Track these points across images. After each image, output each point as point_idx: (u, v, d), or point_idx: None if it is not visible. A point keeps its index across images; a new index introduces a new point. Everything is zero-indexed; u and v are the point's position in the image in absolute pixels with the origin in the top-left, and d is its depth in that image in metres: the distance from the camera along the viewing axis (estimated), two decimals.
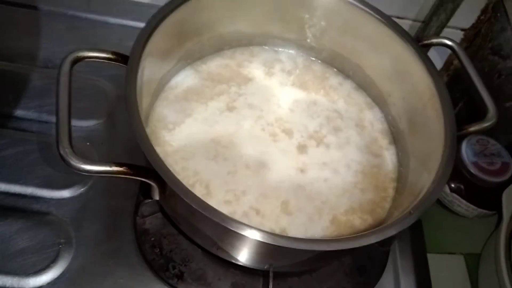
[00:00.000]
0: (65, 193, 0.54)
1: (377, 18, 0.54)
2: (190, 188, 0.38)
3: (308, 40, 0.61)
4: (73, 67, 0.42)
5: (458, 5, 0.70)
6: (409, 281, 0.56)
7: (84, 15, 0.70)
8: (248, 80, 0.59)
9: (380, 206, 0.52)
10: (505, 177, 0.63)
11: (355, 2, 0.55)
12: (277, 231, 0.47)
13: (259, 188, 0.50)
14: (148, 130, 0.51)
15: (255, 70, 0.60)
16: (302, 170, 0.53)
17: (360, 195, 0.52)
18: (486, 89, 0.50)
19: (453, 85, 0.84)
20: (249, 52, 0.61)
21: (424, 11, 0.75)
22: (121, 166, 0.38)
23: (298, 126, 0.56)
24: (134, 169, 0.39)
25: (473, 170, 0.63)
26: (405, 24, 0.78)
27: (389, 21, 0.54)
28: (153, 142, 0.49)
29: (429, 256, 0.62)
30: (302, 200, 0.50)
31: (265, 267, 0.47)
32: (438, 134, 0.47)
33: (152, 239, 0.51)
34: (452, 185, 0.66)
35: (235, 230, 0.37)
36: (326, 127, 0.57)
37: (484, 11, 0.75)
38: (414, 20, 0.77)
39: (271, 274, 0.47)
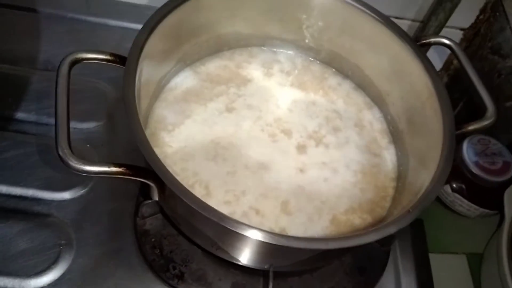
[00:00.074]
0: (66, 195, 0.54)
1: (375, 18, 0.54)
2: (189, 189, 0.38)
3: (307, 41, 0.61)
4: (72, 69, 0.42)
5: (456, 5, 0.70)
6: (410, 281, 0.56)
7: (83, 17, 0.70)
8: (247, 81, 0.59)
9: (379, 206, 0.52)
10: (507, 176, 0.63)
11: (352, 2, 0.55)
12: (277, 231, 0.47)
13: (259, 188, 0.50)
14: (147, 132, 0.51)
15: (254, 71, 0.60)
16: (301, 170, 0.53)
17: (359, 194, 0.52)
18: (485, 88, 0.50)
19: (453, 85, 0.84)
20: (247, 53, 0.61)
21: (422, 11, 0.75)
22: (119, 167, 0.38)
23: (297, 126, 0.56)
24: (133, 169, 0.39)
25: (474, 169, 0.63)
26: (404, 24, 0.78)
27: (387, 21, 0.54)
28: (153, 144, 0.49)
29: (431, 256, 0.62)
30: (301, 200, 0.50)
31: (265, 267, 0.48)
32: (437, 133, 0.47)
33: (153, 240, 0.52)
34: (454, 185, 0.66)
35: (234, 229, 0.37)
36: (325, 127, 0.57)
37: (483, 11, 0.75)
38: (413, 20, 0.77)
39: (271, 274, 0.47)
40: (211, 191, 0.49)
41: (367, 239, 0.39)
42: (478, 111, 0.50)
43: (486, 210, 0.66)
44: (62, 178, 0.54)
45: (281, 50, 0.63)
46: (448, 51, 0.79)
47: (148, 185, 0.43)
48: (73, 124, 0.57)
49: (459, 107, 0.80)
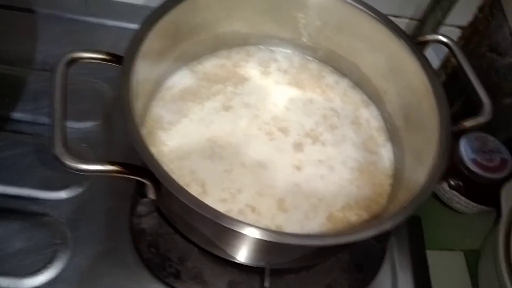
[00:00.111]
0: (62, 194, 0.54)
1: (372, 16, 0.54)
2: (186, 187, 0.38)
3: (304, 39, 0.61)
4: (69, 68, 0.42)
5: (454, 3, 0.70)
6: (407, 277, 0.56)
7: (81, 17, 0.70)
8: (244, 79, 0.59)
9: (376, 203, 0.52)
10: (504, 173, 0.63)
11: (349, 1, 0.55)
12: (273, 229, 0.47)
13: (255, 186, 0.50)
14: (144, 131, 0.51)
15: (251, 69, 0.60)
16: (298, 168, 0.53)
17: (356, 192, 0.52)
18: (481, 85, 0.50)
19: (451, 84, 0.84)
20: (245, 52, 0.61)
21: (420, 9, 0.75)
22: (114, 165, 0.38)
23: (294, 125, 0.56)
24: (128, 168, 0.39)
25: (472, 167, 0.63)
26: (402, 23, 0.78)
27: (384, 19, 0.54)
28: (149, 142, 0.50)
29: (429, 253, 0.62)
30: (298, 197, 0.50)
31: (262, 265, 0.48)
32: (433, 129, 0.47)
33: (149, 238, 0.52)
34: (451, 182, 0.66)
35: (228, 226, 0.37)
36: (322, 125, 0.57)
37: (480, 9, 0.75)
38: (411, 19, 0.77)
39: (267, 272, 0.47)
40: (207, 189, 0.49)
41: (363, 235, 0.39)
42: (476, 110, 0.50)
43: (484, 207, 0.66)
44: (59, 177, 0.54)
45: (279, 49, 0.63)
46: (446, 50, 0.79)
47: (144, 183, 0.43)
48: (70, 124, 0.58)
49: (457, 105, 0.80)
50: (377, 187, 0.53)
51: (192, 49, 0.57)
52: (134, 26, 0.44)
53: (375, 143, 0.57)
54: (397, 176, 0.54)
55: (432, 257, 0.62)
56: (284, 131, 0.55)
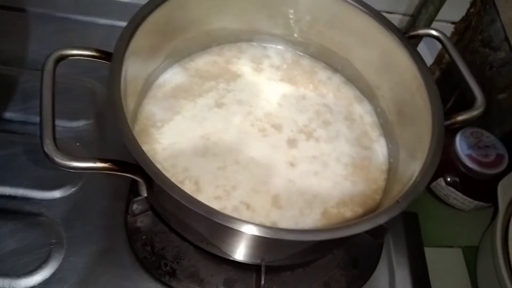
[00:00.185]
0: (56, 194, 0.54)
1: (363, 11, 0.54)
2: (179, 185, 0.38)
3: (295, 35, 0.61)
4: (57, 65, 0.42)
5: None
6: (404, 274, 0.56)
7: (72, 16, 0.70)
8: (236, 76, 0.59)
9: (371, 198, 0.52)
10: (500, 168, 0.63)
11: None
12: (268, 225, 0.47)
13: (249, 183, 0.50)
14: (136, 128, 0.51)
15: (244, 66, 0.60)
16: (292, 164, 0.52)
17: (351, 187, 0.52)
18: (474, 78, 0.50)
19: (444, 80, 0.84)
20: (237, 49, 0.61)
21: (413, 5, 0.75)
22: (105, 162, 0.38)
23: (287, 121, 0.56)
24: (119, 165, 0.39)
25: (468, 162, 0.63)
26: (395, 18, 0.78)
27: (375, 14, 0.54)
28: (142, 140, 0.50)
29: (427, 250, 0.62)
30: (292, 194, 0.50)
31: (257, 262, 0.47)
32: (426, 123, 0.47)
33: (144, 237, 0.51)
34: (448, 179, 0.65)
35: (221, 222, 0.37)
36: (315, 121, 0.57)
37: (473, 4, 0.75)
38: (403, 15, 0.77)
39: (263, 269, 0.47)
40: (201, 187, 0.49)
41: (356, 230, 0.39)
42: (469, 105, 0.50)
43: (481, 203, 0.65)
44: (52, 177, 0.54)
45: (271, 45, 0.63)
46: (440, 46, 0.79)
47: (137, 181, 0.43)
48: (62, 123, 0.58)
49: (451, 101, 0.80)
50: (371, 183, 0.53)
51: (183, 46, 0.57)
52: (125, 23, 0.44)
53: (369, 138, 0.57)
54: (392, 171, 0.54)
55: (430, 254, 0.62)
56: (277, 127, 0.55)
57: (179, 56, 0.58)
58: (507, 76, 0.68)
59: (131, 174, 0.40)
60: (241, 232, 0.37)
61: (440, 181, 0.66)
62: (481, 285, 0.61)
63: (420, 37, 0.67)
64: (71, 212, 0.53)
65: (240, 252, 0.46)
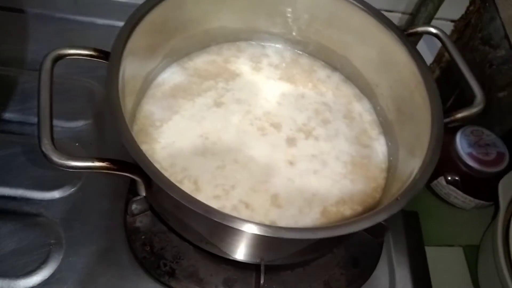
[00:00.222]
0: (55, 194, 0.53)
1: (361, 8, 0.54)
2: (178, 184, 0.38)
3: (294, 34, 0.60)
4: (55, 64, 0.42)
5: None
6: (405, 273, 0.56)
7: (71, 17, 0.70)
8: (235, 75, 0.59)
9: (371, 197, 0.52)
10: (501, 167, 0.63)
11: None
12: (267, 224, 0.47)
13: (249, 182, 0.50)
14: (135, 128, 0.51)
15: (242, 65, 0.60)
16: (291, 163, 0.52)
17: (350, 186, 0.52)
18: (473, 75, 0.50)
19: (444, 78, 0.84)
20: (236, 48, 0.61)
21: (412, 3, 0.75)
22: (103, 162, 0.38)
23: (286, 120, 0.56)
24: (117, 164, 0.39)
25: (468, 161, 0.63)
26: (394, 17, 0.77)
27: (373, 11, 0.53)
28: (141, 140, 0.50)
29: (428, 249, 0.61)
30: (292, 192, 0.50)
31: (257, 261, 0.47)
32: (426, 121, 0.47)
33: (143, 237, 0.51)
34: (448, 177, 0.65)
35: (218, 221, 0.36)
36: (314, 119, 0.57)
37: (473, 2, 0.75)
38: (403, 13, 0.77)
39: (262, 268, 0.47)
40: (200, 186, 0.49)
41: (355, 227, 0.38)
42: (470, 103, 0.49)
43: (482, 202, 0.65)
44: (51, 177, 0.54)
45: (270, 44, 0.63)
46: (439, 45, 0.79)
47: (136, 181, 0.43)
48: (61, 123, 0.58)
49: (451, 100, 0.80)
50: (371, 181, 0.53)
51: (182, 46, 0.57)
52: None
53: (368, 136, 0.57)
54: (391, 169, 0.54)
55: (431, 253, 0.62)
56: (276, 126, 0.55)
57: (178, 55, 0.58)
58: (507, 74, 0.68)
59: (130, 173, 0.40)
60: (240, 231, 0.37)
61: (441, 179, 0.66)
62: (482, 284, 0.61)
63: (419, 35, 0.67)
64: (70, 213, 0.53)
65: (240, 252, 0.46)
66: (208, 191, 0.49)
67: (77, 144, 0.57)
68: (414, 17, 0.74)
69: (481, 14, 0.74)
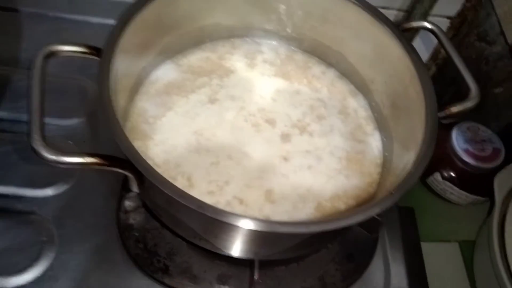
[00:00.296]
0: (48, 192, 0.53)
1: (355, 4, 0.53)
2: (171, 181, 0.37)
3: (289, 30, 0.60)
4: (47, 61, 0.42)
5: None
6: (400, 269, 0.56)
7: (65, 15, 0.70)
8: (230, 72, 0.58)
9: (365, 192, 0.51)
10: (497, 162, 0.63)
11: None
12: None
13: (243, 178, 0.50)
14: (128, 125, 0.51)
15: (237, 62, 0.60)
16: (285, 159, 0.52)
17: (345, 181, 0.52)
18: (468, 70, 0.49)
19: (441, 76, 0.84)
20: (230, 44, 0.61)
21: (408, 0, 0.75)
22: (93, 157, 0.38)
23: (281, 116, 0.56)
24: (108, 159, 0.38)
25: (464, 157, 0.63)
26: (390, 14, 0.77)
27: (367, 6, 0.53)
28: (134, 137, 0.49)
29: (424, 244, 0.62)
30: (286, 188, 0.50)
31: (251, 257, 0.47)
32: (420, 115, 0.47)
33: (136, 234, 0.51)
34: (444, 173, 0.65)
35: (211, 216, 0.36)
36: (309, 115, 0.56)
37: None
38: (398, 10, 0.77)
39: (256, 264, 0.46)
40: (193, 183, 0.48)
41: (349, 221, 0.38)
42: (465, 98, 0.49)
43: (478, 197, 0.65)
44: (44, 175, 0.54)
45: (264, 41, 0.62)
46: (435, 41, 0.79)
47: (128, 177, 0.42)
48: (54, 121, 0.58)
49: (447, 97, 0.80)
50: (366, 176, 0.53)
51: (175, 42, 0.56)
52: None
53: (363, 132, 0.57)
54: (386, 164, 0.53)
55: (427, 248, 0.62)
56: (271, 122, 0.55)
57: (172, 52, 0.57)
58: (503, 70, 0.68)
59: (121, 169, 0.40)
60: (233, 225, 0.37)
61: (437, 175, 0.66)
62: (478, 280, 0.61)
63: (414, 31, 0.67)
64: (63, 210, 0.52)
65: (233, 247, 0.45)
66: (202, 187, 0.48)
67: (70, 142, 0.57)
68: (409, 14, 0.74)
69: (477, 11, 0.74)
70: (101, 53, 0.43)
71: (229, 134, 0.53)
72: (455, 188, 0.65)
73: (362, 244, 0.55)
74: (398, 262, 0.56)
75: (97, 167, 0.38)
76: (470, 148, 0.63)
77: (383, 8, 0.75)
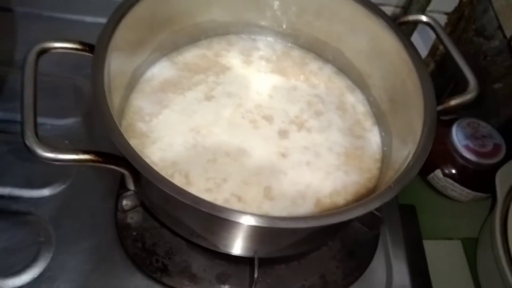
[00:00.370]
0: (45, 192, 0.53)
1: None
2: (169, 179, 0.37)
3: (284, 26, 0.60)
4: (39, 58, 0.42)
5: None
6: (402, 267, 0.55)
7: (60, 15, 0.69)
8: (226, 69, 0.58)
9: (365, 187, 0.51)
10: (498, 158, 0.62)
11: None
12: None
13: (240, 175, 0.49)
14: (124, 123, 0.50)
15: (233, 59, 0.59)
16: (283, 155, 0.52)
17: (344, 177, 0.51)
18: (466, 63, 0.49)
19: (439, 72, 0.83)
20: (226, 41, 0.61)
21: None
22: (88, 154, 0.37)
23: (278, 112, 0.55)
24: (103, 156, 0.38)
25: (465, 153, 0.63)
26: (387, 10, 0.76)
27: (362, 0, 0.53)
28: (130, 135, 0.49)
29: (426, 242, 0.61)
30: (284, 184, 0.49)
31: (250, 255, 0.46)
32: (419, 108, 0.46)
33: (134, 233, 0.50)
34: (445, 170, 0.65)
35: (209, 211, 0.36)
36: (307, 111, 0.56)
37: None
38: (395, 6, 0.77)
39: (256, 262, 0.46)
40: (191, 180, 0.48)
41: (349, 215, 0.38)
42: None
43: (479, 194, 0.65)
44: (40, 175, 0.53)
45: (260, 37, 0.62)
46: (433, 37, 0.79)
47: (124, 175, 0.42)
48: (50, 121, 0.57)
49: (446, 93, 0.79)
50: (365, 172, 0.52)
51: (171, 39, 0.56)
52: None
53: (362, 128, 0.56)
54: (385, 160, 0.53)
55: (430, 246, 0.61)
56: (268, 119, 0.54)
57: (167, 49, 0.57)
58: (502, 65, 0.68)
59: (116, 166, 0.39)
60: (231, 221, 0.36)
61: (438, 172, 0.65)
62: (481, 277, 0.60)
63: (411, 25, 0.66)
64: (60, 210, 0.52)
65: (233, 245, 0.45)
66: (199, 185, 0.48)
67: (66, 141, 0.57)
68: (406, 10, 0.74)
69: (474, 6, 0.73)
70: (94, 50, 0.43)
71: (226, 131, 0.52)
72: (456, 184, 0.65)
73: (363, 242, 0.54)
74: (400, 260, 0.55)
75: (92, 164, 0.37)
76: (471, 144, 0.63)
77: (380, 4, 0.75)
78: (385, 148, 0.54)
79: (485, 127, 0.65)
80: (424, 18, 0.53)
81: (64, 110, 0.59)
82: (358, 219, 0.41)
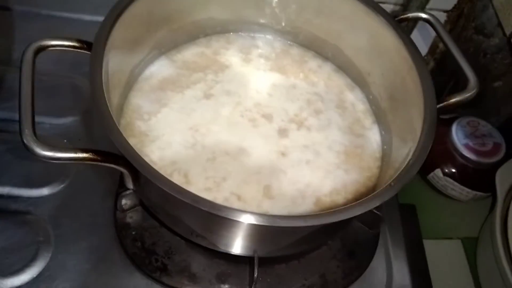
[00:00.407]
0: (44, 191, 0.53)
1: None
2: (168, 178, 0.36)
3: (283, 24, 0.60)
4: (37, 56, 0.41)
5: None
6: (402, 266, 0.55)
7: (58, 13, 0.69)
8: (225, 67, 0.58)
9: (365, 186, 0.51)
10: (498, 157, 0.62)
11: None
12: None
13: (240, 174, 0.49)
14: (123, 122, 0.50)
15: (232, 57, 0.59)
16: (283, 154, 0.51)
17: (344, 176, 0.51)
18: (466, 60, 0.49)
19: (439, 70, 0.83)
20: (225, 39, 0.60)
21: None
22: (86, 152, 0.37)
23: (278, 111, 0.55)
24: (101, 155, 0.38)
25: (465, 152, 0.62)
26: (386, 8, 0.75)
27: None
28: (129, 133, 0.49)
29: (426, 242, 0.61)
30: (284, 183, 0.49)
31: (250, 254, 0.46)
32: (418, 106, 0.46)
33: (133, 233, 0.50)
34: (445, 169, 0.65)
35: (208, 210, 0.35)
36: (306, 110, 0.56)
37: None
38: (395, 4, 0.76)
39: (256, 261, 0.46)
40: (190, 179, 0.48)
41: (349, 214, 0.37)
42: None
43: (479, 193, 0.64)
44: (39, 174, 0.53)
45: (259, 35, 0.62)
46: (433, 35, 0.78)
47: (123, 174, 0.42)
48: (49, 120, 0.57)
49: (446, 91, 0.79)
50: (365, 171, 0.52)
51: (169, 38, 0.56)
52: None
53: (362, 126, 0.56)
54: (385, 158, 0.53)
55: (430, 246, 0.61)
56: (267, 117, 0.54)
57: (166, 48, 0.57)
58: (502, 63, 0.67)
59: (115, 164, 0.39)
60: (230, 220, 0.36)
61: (437, 171, 0.65)
62: (481, 276, 0.60)
63: (411, 22, 0.66)
64: (59, 209, 0.52)
65: (232, 244, 0.45)
66: (199, 184, 0.48)
67: (65, 140, 0.56)
68: (405, 8, 0.74)
69: (474, 3, 0.73)
70: (92, 48, 0.43)
71: (225, 129, 0.52)
72: (456, 184, 0.64)
73: (363, 241, 0.54)
74: (400, 259, 0.55)
75: (90, 162, 0.37)
76: (471, 143, 0.63)
77: (379, 2, 0.75)
78: (385, 147, 0.54)
79: (485, 126, 0.65)
80: (423, 15, 0.52)
81: (63, 109, 0.58)
82: (358, 218, 0.40)
